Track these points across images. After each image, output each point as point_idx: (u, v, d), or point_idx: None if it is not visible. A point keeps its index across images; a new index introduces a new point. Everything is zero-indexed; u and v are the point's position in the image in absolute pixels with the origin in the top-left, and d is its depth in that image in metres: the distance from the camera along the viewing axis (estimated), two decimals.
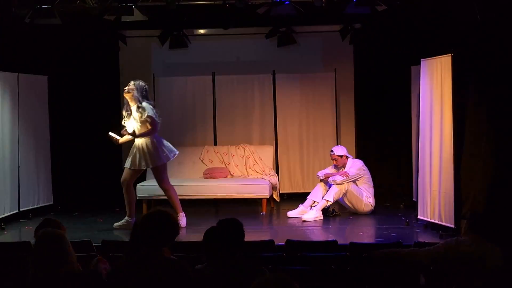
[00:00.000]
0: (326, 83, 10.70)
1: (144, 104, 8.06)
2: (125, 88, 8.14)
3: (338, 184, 8.99)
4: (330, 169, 9.34)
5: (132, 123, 8.19)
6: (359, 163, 9.28)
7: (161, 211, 4.10)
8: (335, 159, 9.28)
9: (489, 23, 7.40)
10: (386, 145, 10.92)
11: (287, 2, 8.40)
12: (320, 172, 9.38)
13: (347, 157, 9.29)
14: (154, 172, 8.28)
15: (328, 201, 8.96)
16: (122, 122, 8.28)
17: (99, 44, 10.33)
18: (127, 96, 8.09)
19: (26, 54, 9.62)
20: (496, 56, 7.45)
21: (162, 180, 8.28)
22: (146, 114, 8.01)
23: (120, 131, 8.29)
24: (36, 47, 9.76)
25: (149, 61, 11.34)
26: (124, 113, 8.23)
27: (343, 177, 9.05)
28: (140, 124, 8.11)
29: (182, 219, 8.28)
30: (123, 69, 11.24)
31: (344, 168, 9.21)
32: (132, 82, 8.13)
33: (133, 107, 8.10)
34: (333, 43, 10.96)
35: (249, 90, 10.79)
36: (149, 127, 8.09)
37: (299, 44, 10.77)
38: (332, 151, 9.40)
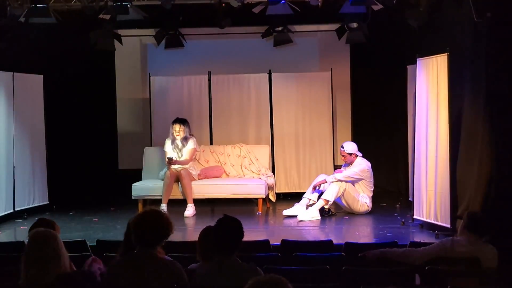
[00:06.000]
0: (323, 82, 10.66)
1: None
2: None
3: (337, 181, 8.94)
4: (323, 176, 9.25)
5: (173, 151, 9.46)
6: (364, 165, 9.11)
7: (153, 211, 4.09)
8: (343, 156, 9.20)
9: (485, 22, 7.39)
10: (383, 145, 10.91)
11: (282, 1, 8.38)
12: (314, 182, 9.22)
13: (356, 155, 9.17)
14: None
15: (327, 200, 8.88)
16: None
17: (94, 44, 10.26)
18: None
19: (21, 53, 9.58)
20: (492, 55, 7.44)
21: None
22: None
23: None
24: (31, 46, 9.72)
25: (145, 60, 11.31)
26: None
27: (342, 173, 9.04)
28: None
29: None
30: (119, 68, 11.22)
31: (351, 165, 9.15)
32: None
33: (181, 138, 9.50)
34: (329, 42, 10.94)
35: (245, 90, 10.74)
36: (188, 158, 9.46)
37: (295, 43, 10.74)
38: (342, 147, 9.27)
